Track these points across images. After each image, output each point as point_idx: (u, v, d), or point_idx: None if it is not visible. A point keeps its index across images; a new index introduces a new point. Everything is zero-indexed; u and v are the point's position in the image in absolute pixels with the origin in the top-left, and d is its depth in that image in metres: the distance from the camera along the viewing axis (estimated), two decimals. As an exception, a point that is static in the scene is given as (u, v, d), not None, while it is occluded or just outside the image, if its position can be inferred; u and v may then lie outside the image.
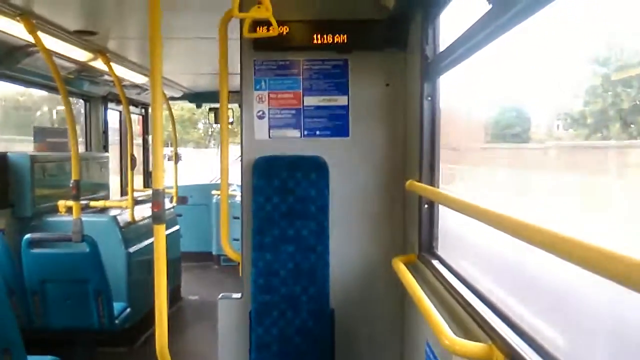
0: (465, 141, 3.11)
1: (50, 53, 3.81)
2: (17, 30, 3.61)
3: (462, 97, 2.88)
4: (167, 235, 1.98)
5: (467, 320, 1.70)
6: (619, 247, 0.84)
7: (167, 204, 5.95)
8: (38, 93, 7.08)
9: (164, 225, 1.92)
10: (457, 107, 2.92)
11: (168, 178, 6.32)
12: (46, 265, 3.97)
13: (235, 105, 6.06)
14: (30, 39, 3.61)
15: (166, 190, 4.27)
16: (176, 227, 6.26)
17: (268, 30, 2.58)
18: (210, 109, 7.34)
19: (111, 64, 4.68)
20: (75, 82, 5.39)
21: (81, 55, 4.47)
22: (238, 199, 6.28)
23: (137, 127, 7.41)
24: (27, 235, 3.96)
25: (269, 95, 2.90)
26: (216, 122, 7.15)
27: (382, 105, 2.87)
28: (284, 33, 2.68)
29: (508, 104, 2.74)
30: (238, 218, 3.07)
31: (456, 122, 3.01)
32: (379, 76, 2.86)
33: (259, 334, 2.71)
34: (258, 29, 2.63)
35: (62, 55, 4.32)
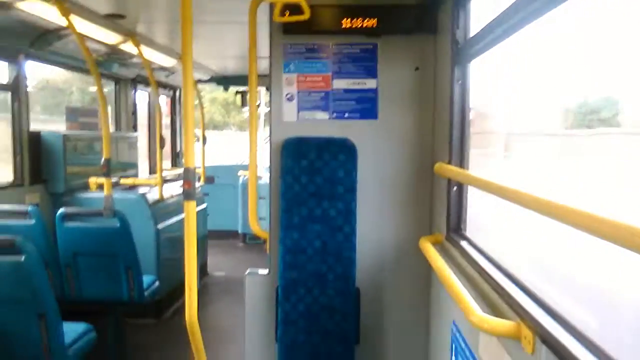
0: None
1: (82, 36, 3.90)
2: (51, 14, 3.72)
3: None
4: (196, 213, 2.05)
5: (495, 299, 1.73)
6: None
7: (195, 183, 6.06)
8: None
9: (195, 202, 1.99)
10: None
11: (196, 159, 6.43)
12: (79, 239, 4.10)
13: (262, 89, 6.12)
14: (64, 22, 3.71)
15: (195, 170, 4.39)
16: (203, 205, 6.40)
17: (299, 14, 2.61)
18: (237, 92, 7.42)
19: (140, 46, 4.76)
20: (106, 64, 5.50)
21: (111, 38, 4.56)
22: (263, 180, 6.38)
23: (165, 109, 7.53)
24: (61, 209, 4.10)
25: (297, 78, 2.94)
26: (243, 105, 7.22)
27: (411, 89, 2.89)
28: (314, 16, 2.71)
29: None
30: (263, 198, 3.14)
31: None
32: (408, 60, 2.88)
33: (286, 310, 2.78)
34: (287, 13, 2.67)
35: (93, 38, 4.41)
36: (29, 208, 3.94)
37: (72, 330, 3.26)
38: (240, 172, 8.11)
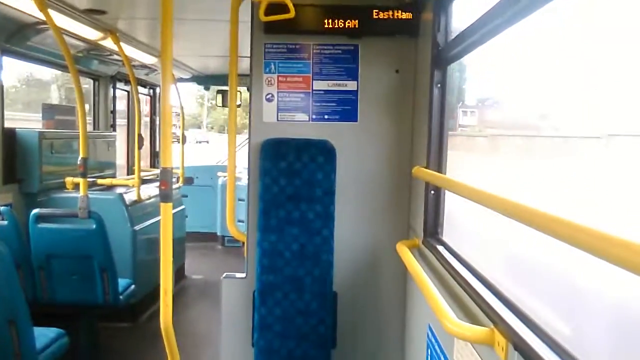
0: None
1: (60, 31, 3.82)
2: (27, 7, 3.63)
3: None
4: (173, 215, 2.01)
5: (469, 305, 1.72)
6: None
7: (174, 184, 6.00)
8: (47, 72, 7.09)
9: (171, 204, 1.95)
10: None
11: (175, 159, 6.37)
12: (53, 240, 4.02)
13: (242, 89, 6.08)
14: (41, 16, 3.63)
15: (173, 171, 4.35)
16: (181, 207, 6.32)
17: (282, 13, 2.58)
18: (218, 92, 7.36)
19: (121, 43, 4.69)
20: (85, 61, 5.41)
21: (91, 33, 4.48)
22: (243, 182, 6.33)
23: (145, 108, 7.44)
24: (35, 210, 4.01)
25: (278, 79, 2.91)
26: (223, 105, 7.16)
27: (391, 92, 2.88)
28: (296, 16, 2.69)
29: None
30: (243, 200, 3.11)
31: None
32: (389, 62, 2.87)
33: (262, 314, 2.74)
34: (270, 11, 2.64)
35: (72, 34, 4.33)
36: (1, 208, 3.85)
37: (44, 335, 3.18)
38: (220, 174, 8.03)
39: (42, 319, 3.22)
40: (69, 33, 4.26)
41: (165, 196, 1.92)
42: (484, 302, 1.57)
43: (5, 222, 3.77)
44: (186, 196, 6.84)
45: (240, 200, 5.31)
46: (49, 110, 5.26)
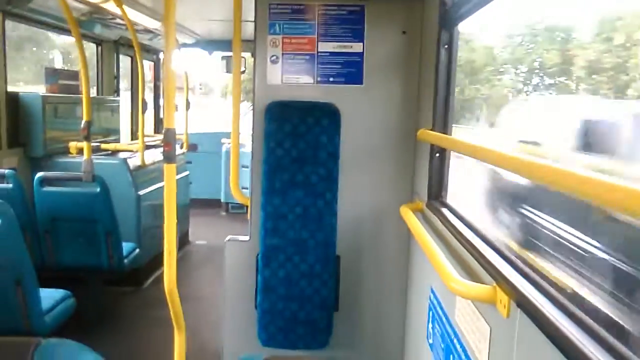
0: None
1: None
2: None
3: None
4: (177, 180, 1.99)
5: (472, 265, 1.72)
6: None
7: (178, 150, 6.00)
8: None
9: (175, 165, 1.94)
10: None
11: (179, 125, 6.34)
12: (57, 203, 4.04)
13: (246, 55, 6.01)
14: None
15: (177, 137, 4.35)
16: (186, 173, 6.33)
17: None
18: (222, 57, 7.28)
19: (123, 6, 4.62)
20: (87, 25, 5.34)
21: None
22: (246, 149, 6.31)
23: (149, 74, 7.38)
24: (40, 174, 4.02)
25: (282, 40, 2.86)
26: (227, 71, 7.10)
27: (397, 54, 2.83)
28: None
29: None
30: (247, 167, 3.09)
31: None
32: (395, 24, 2.81)
33: (266, 277, 2.76)
34: None
35: None
36: (6, 172, 3.86)
37: (51, 296, 3.22)
38: (224, 140, 8.01)
39: (48, 283, 3.26)
40: None
41: (168, 157, 1.91)
42: (486, 261, 1.56)
43: (10, 186, 3.78)
44: (190, 162, 6.85)
45: (243, 167, 5.31)
46: (51, 75, 5.22)
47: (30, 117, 4.63)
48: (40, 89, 5.20)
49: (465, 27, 2.31)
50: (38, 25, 4.99)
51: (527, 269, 1.42)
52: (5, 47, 4.35)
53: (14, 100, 4.53)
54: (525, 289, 1.32)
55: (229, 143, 7.44)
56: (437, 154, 2.41)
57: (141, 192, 4.91)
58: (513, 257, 1.52)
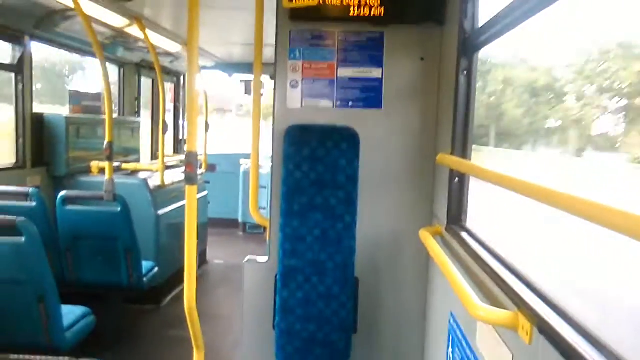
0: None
1: (87, 17, 3.88)
2: None
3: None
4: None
5: (493, 290, 1.72)
6: None
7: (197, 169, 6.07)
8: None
9: (196, 186, 1.98)
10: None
11: (199, 146, 6.44)
12: (79, 222, 4.11)
13: (264, 78, 6.10)
14: (69, 3, 3.69)
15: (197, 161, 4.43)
16: (204, 193, 6.40)
17: None
18: (241, 80, 7.40)
19: (146, 30, 4.74)
20: (111, 48, 5.49)
21: (117, 20, 4.55)
22: (264, 170, 6.38)
23: (169, 95, 7.52)
24: (63, 192, 4.10)
25: (302, 65, 2.92)
26: (247, 93, 7.21)
27: (416, 79, 2.87)
28: (322, 3, 2.70)
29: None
30: (264, 187, 3.14)
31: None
32: (414, 50, 2.86)
33: (284, 297, 2.78)
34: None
35: (99, 20, 4.40)
36: (30, 190, 3.95)
37: (71, 312, 3.27)
38: (242, 161, 8.10)
39: (68, 299, 3.31)
40: (96, 20, 4.32)
41: (190, 179, 1.95)
42: (508, 287, 1.57)
43: (34, 204, 3.87)
44: (209, 182, 6.93)
45: (261, 187, 5.35)
46: (75, 97, 5.35)
47: (54, 138, 4.75)
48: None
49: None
50: (63, 47, 5.14)
51: (549, 295, 1.43)
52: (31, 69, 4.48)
53: (39, 120, 4.66)
54: (548, 315, 1.32)
55: (247, 164, 7.53)
56: (457, 179, 2.43)
57: (160, 212, 4.98)
58: (535, 283, 1.53)
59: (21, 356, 2.42)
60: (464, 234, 2.22)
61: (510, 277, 1.63)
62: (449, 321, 2.28)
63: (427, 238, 2.38)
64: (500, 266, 1.73)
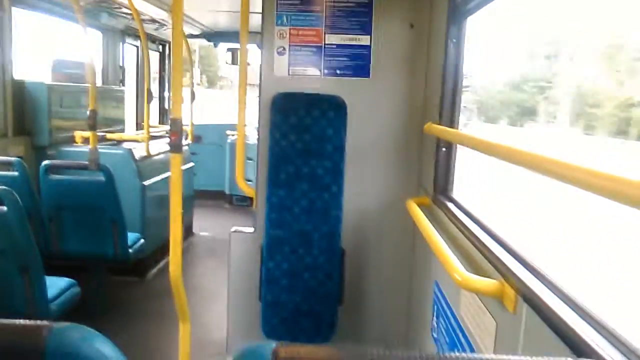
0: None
1: None
2: None
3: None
4: (182, 170, 2.00)
5: (478, 259, 1.72)
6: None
7: (183, 141, 6.00)
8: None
9: (181, 155, 1.94)
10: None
11: (185, 117, 6.36)
12: (63, 192, 4.05)
13: (250, 47, 5.99)
14: None
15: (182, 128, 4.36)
16: (191, 164, 6.33)
17: None
18: (228, 49, 7.26)
19: None
20: (93, 14, 5.33)
21: None
22: (251, 141, 6.31)
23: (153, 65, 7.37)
24: (46, 162, 4.03)
25: (290, 32, 2.86)
26: (233, 63, 7.08)
27: (405, 47, 2.82)
28: None
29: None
30: (251, 160, 3.10)
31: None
32: (403, 17, 2.80)
33: (270, 268, 2.76)
34: None
35: None
36: (13, 159, 3.86)
37: (56, 284, 3.23)
38: (228, 132, 8.01)
39: (52, 271, 3.27)
40: None
41: (175, 147, 1.91)
42: (493, 256, 1.56)
43: (16, 173, 3.79)
44: (195, 154, 6.84)
45: (248, 159, 5.30)
46: (58, 64, 5.22)
47: (35, 106, 4.63)
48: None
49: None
50: (45, 12, 4.98)
51: (534, 264, 1.42)
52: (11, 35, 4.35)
53: (19, 88, 4.54)
54: (532, 284, 1.31)
55: (233, 135, 7.46)
56: (444, 148, 2.41)
57: (146, 183, 4.91)
58: (520, 252, 1.52)
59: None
60: (450, 204, 2.20)
61: (496, 246, 1.62)
62: (434, 291, 2.29)
63: (414, 208, 2.36)
64: (486, 236, 1.72)
